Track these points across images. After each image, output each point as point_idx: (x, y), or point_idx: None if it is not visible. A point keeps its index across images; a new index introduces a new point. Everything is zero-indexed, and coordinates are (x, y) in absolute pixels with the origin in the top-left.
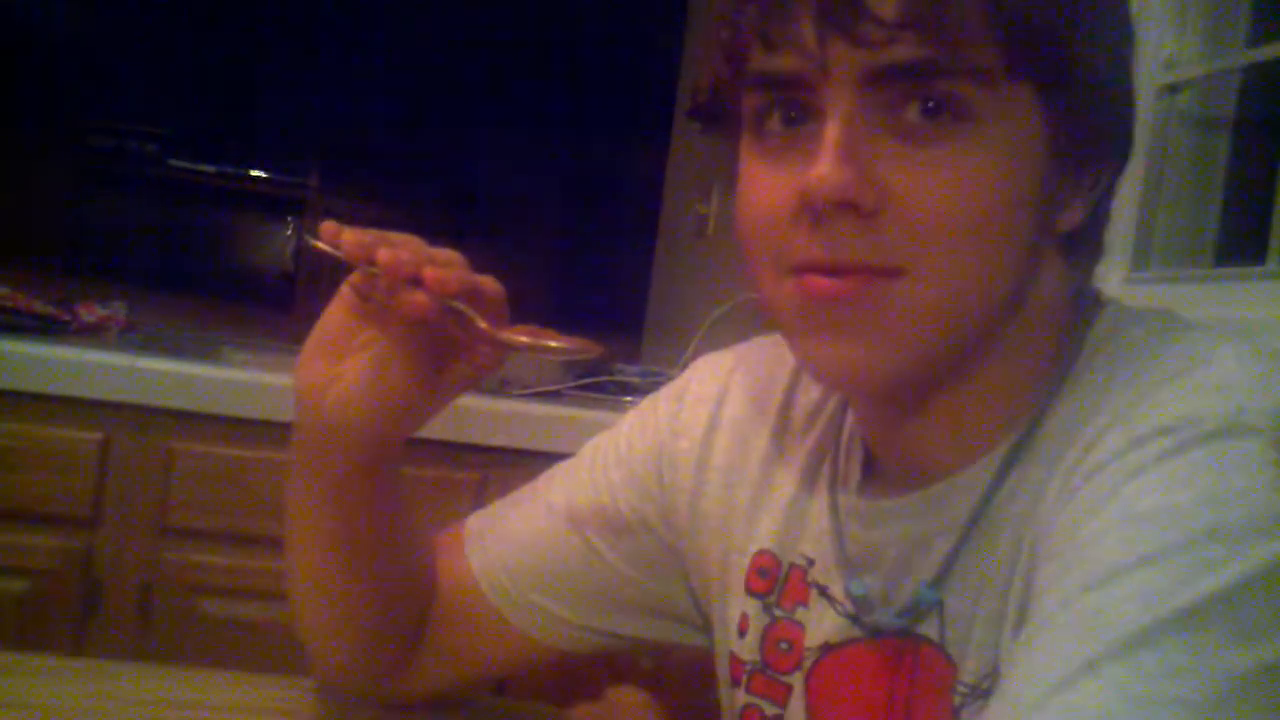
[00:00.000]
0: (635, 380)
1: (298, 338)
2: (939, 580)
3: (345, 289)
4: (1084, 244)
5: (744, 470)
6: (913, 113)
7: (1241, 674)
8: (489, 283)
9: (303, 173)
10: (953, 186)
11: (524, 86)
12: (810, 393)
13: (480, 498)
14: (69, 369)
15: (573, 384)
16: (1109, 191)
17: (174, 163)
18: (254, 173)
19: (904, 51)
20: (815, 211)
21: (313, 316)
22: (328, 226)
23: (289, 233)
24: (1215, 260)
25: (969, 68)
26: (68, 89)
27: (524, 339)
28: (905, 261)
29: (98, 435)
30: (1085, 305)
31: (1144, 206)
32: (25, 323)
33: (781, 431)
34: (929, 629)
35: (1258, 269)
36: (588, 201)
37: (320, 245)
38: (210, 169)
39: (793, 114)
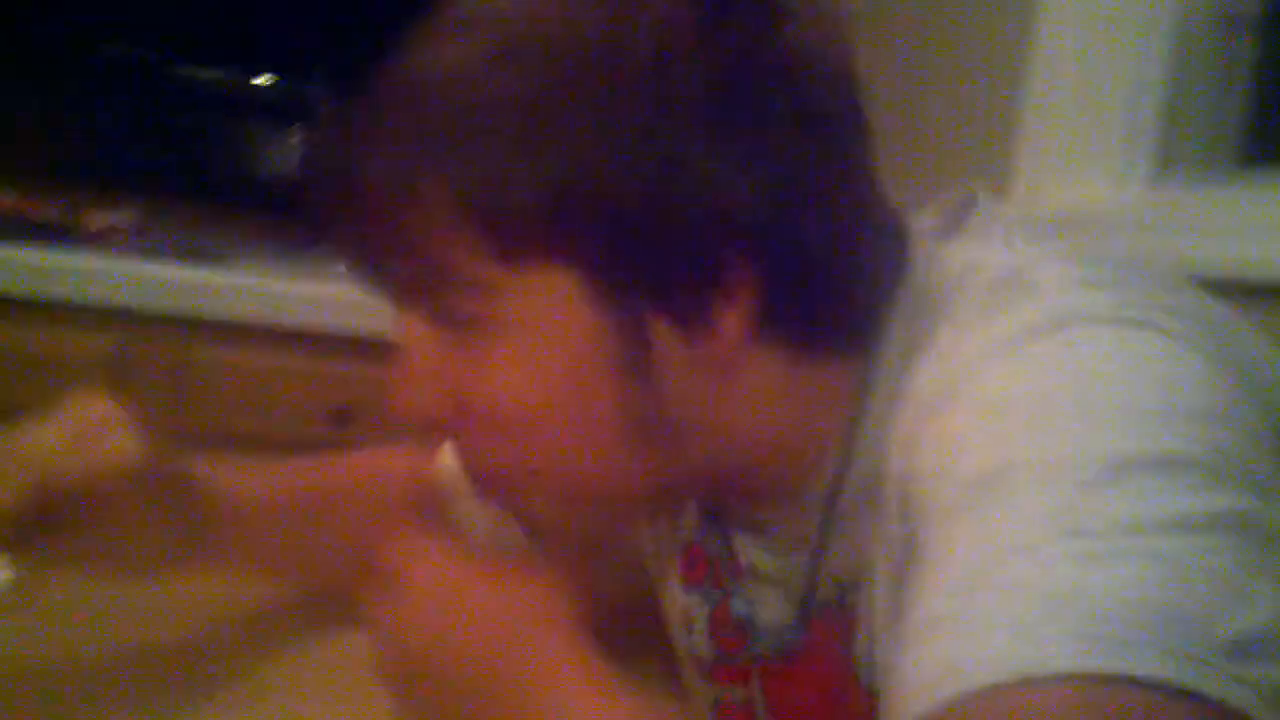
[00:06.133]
0: None
1: (304, 244)
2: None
3: None
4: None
5: None
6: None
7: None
8: None
9: (309, 79)
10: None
11: None
12: None
13: None
14: (78, 275)
15: None
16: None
17: (181, 70)
18: (261, 80)
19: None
20: None
21: (317, 223)
22: None
23: (295, 140)
24: (1242, 163)
25: (454, 279)
26: None
27: None
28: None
29: (108, 342)
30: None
31: (1168, 109)
32: (32, 230)
33: None
34: (858, 601)
35: None
36: None
37: None
38: (217, 74)
39: None
